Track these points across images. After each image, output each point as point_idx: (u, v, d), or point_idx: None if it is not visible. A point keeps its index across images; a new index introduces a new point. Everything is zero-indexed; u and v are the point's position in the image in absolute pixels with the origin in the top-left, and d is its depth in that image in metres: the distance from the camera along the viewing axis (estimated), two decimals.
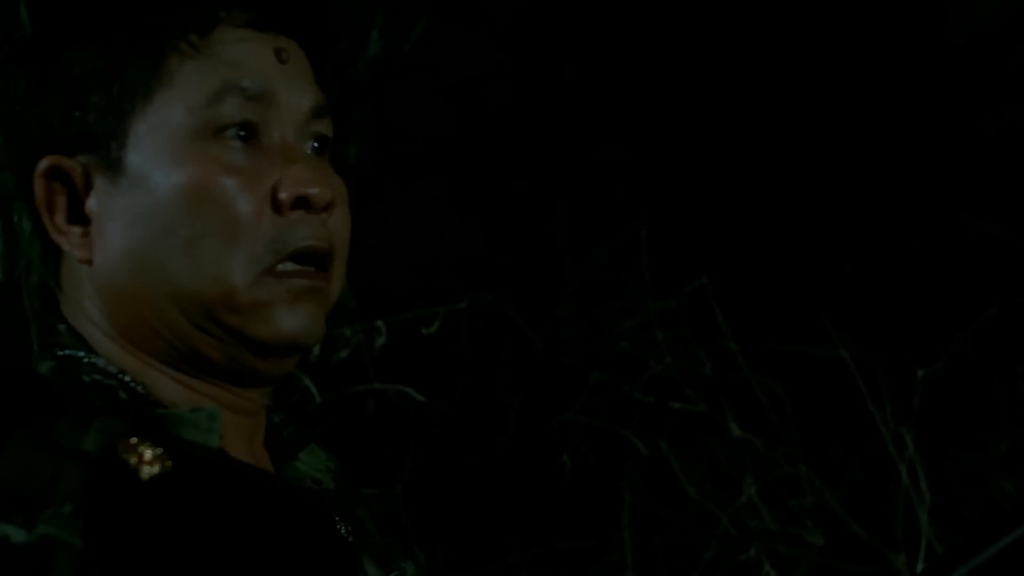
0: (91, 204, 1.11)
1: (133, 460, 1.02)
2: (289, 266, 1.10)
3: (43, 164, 1.11)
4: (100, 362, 1.10)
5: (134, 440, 1.03)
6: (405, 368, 3.03)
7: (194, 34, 1.10)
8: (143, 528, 1.00)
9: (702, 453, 3.25)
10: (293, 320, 1.10)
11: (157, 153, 1.09)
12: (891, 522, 3.20)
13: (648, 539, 3.25)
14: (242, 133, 1.11)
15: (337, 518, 1.14)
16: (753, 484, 3.16)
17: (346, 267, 1.16)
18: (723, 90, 3.80)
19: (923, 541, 3.14)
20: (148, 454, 1.03)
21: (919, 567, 3.14)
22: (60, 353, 1.11)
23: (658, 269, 3.29)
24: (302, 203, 1.10)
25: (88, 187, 1.11)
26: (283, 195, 1.10)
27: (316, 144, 1.15)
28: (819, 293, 3.34)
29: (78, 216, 1.12)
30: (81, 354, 1.11)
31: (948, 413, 3.25)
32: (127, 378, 1.10)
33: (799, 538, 3.23)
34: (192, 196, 1.08)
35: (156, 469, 1.02)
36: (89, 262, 1.11)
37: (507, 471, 3.38)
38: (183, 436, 1.06)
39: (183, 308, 1.09)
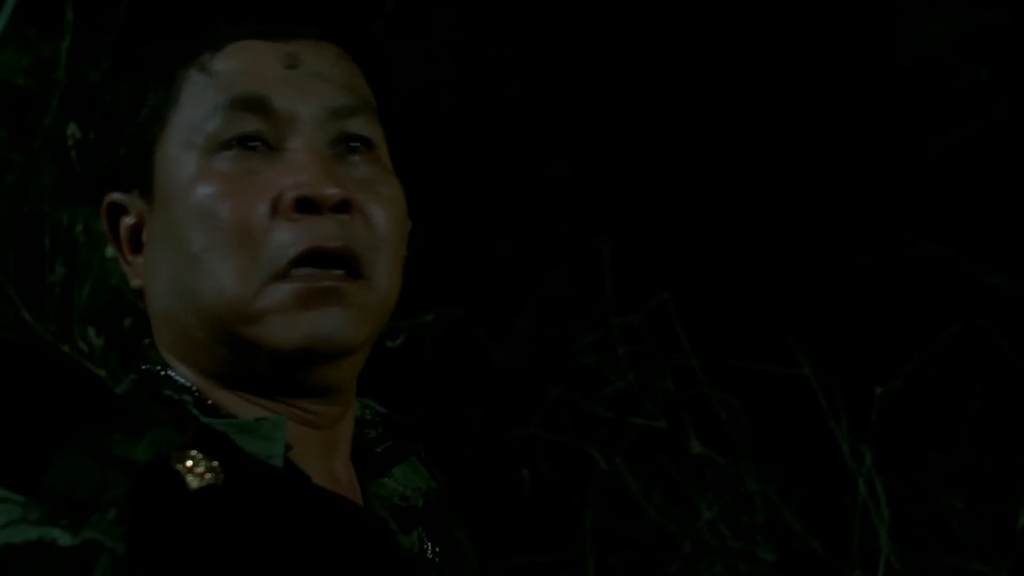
0: (144, 234, 1.14)
1: (183, 471, 1.02)
2: (301, 271, 1.07)
3: (106, 200, 1.16)
4: (175, 375, 1.13)
5: (190, 452, 1.03)
6: (370, 381, 3.02)
7: (207, 54, 1.11)
8: (185, 537, 1.00)
9: (662, 469, 3.26)
10: (305, 324, 1.06)
11: (173, 176, 1.10)
12: (848, 538, 3.23)
13: (609, 554, 3.26)
14: (252, 143, 1.09)
15: (423, 537, 1.13)
16: (715, 501, 3.18)
17: (401, 267, 1.12)
18: (681, 112, 3.82)
19: (882, 558, 3.17)
20: (201, 466, 1.03)
21: None
22: (143, 367, 1.15)
23: (621, 285, 3.31)
24: (308, 205, 1.07)
25: (142, 218, 1.15)
26: (283, 199, 1.07)
27: (352, 144, 1.12)
28: (780, 311, 3.37)
29: (138, 247, 1.16)
30: (159, 368, 1.13)
31: (904, 430, 3.28)
32: (198, 392, 1.11)
33: (754, 555, 3.26)
34: (196, 212, 1.08)
35: (205, 480, 1.02)
36: (140, 289, 1.17)
37: (468, 484, 3.37)
38: (246, 447, 1.06)
39: (206, 325, 1.09)
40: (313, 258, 1.06)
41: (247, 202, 1.07)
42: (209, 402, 1.10)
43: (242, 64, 1.10)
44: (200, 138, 1.08)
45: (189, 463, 1.03)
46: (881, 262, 3.51)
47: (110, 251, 3.11)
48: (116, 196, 1.15)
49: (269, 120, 1.09)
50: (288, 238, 1.06)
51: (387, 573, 1.09)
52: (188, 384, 1.11)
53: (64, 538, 0.98)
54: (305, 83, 1.11)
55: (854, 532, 3.21)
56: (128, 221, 1.15)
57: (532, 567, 3.29)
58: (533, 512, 3.32)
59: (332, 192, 1.06)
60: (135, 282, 1.16)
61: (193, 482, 1.02)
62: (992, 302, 3.50)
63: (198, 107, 1.09)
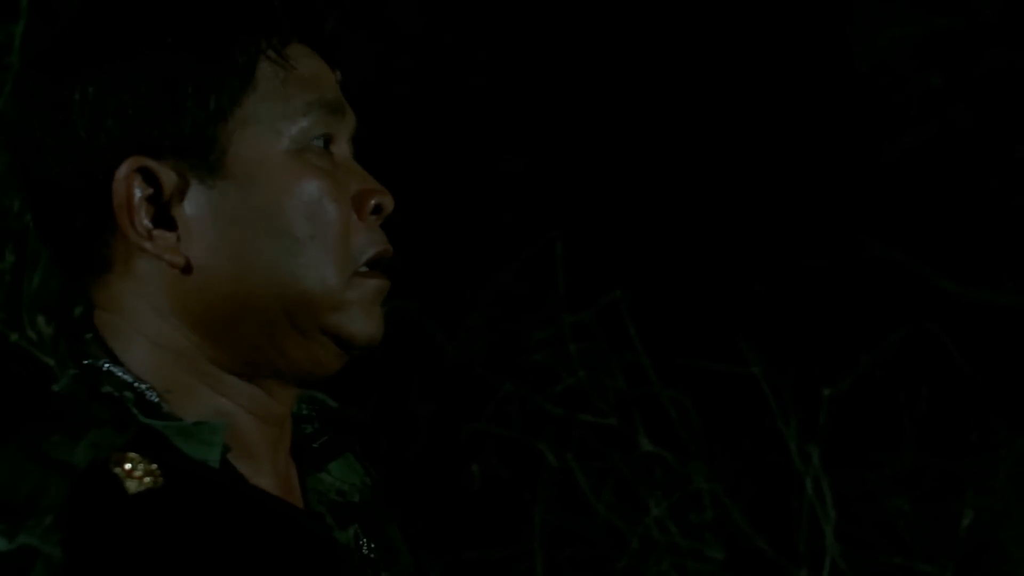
0: (185, 208, 1.11)
1: (122, 474, 1.03)
2: (364, 269, 1.14)
3: (128, 166, 1.10)
4: (117, 371, 1.11)
5: (130, 454, 1.04)
6: None
7: (277, 44, 1.13)
8: (123, 542, 1.01)
9: (612, 466, 3.27)
10: (378, 320, 1.14)
11: (264, 158, 1.12)
12: (795, 538, 3.25)
13: (558, 551, 3.27)
14: (324, 143, 1.15)
15: (359, 533, 1.15)
16: (663, 498, 3.19)
17: None
18: (635, 109, 3.84)
19: (827, 558, 3.20)
20: (139, 469, 1.04)
21: None
22: (85, 362, 1.12)
23: (573, 282, 3.32)
24: (378, 211, 1.15)
25: (180, 191, 1.11)
26: (368, 201, 1.14)
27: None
28: (730, 311, 3.39)
29: (163, 220, 1.11)
30: (101, 363, 1.11)
31: (852, 431, 3.31)
32: (142, 387, 1.10)
33: (701, 553, 3.27)
34: (302, 199, 1.12)
35: (145, 484, 1.04)
36: (180, 266, 1.11)
37: (417, 480, 3.37)
38: (184, 449, 1.07)
39: (287, 307, 1.11)
40: (379, 261, 1.15)
41: (343, 199, 1.13)
42: (153, 399, 1.10)
43: (315, 68, 1.15)
44: (293, 130, 1.12)
45: (128, 466, 1.04)
46: (831, 264, 3.54)
47: None
48: (149, 162, 1.10)
49: (338, 124, 1.15)
50: (369, 238, 1.14)
51: (325, 571, 1.12)
52: (130, 379, 1.11)
53: (0, 543, 0.99)
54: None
55: (801, 532, 3.23)
56: (150, 191, 1.10)
57: (481, 563, 3.30)
58: (482, 508, 3.32)
59: (393, 205, 1.16)
60: (169, 257, 1.10)
61: (132, 486, 1.03)
62: (940, 305, 3.54)
63: (288, 99, 1.12)
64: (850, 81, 4.05)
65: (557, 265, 3.30)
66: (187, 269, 1.11)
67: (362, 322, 1.13)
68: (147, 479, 1.03)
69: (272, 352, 1.12)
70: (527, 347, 3.33)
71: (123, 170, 1.10)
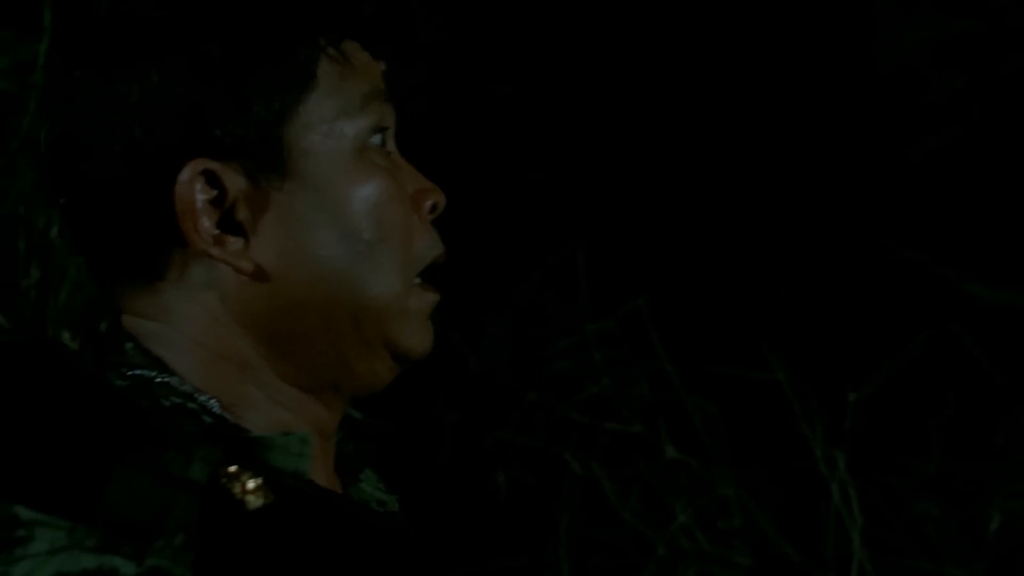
0: (251, 212, 1.05)
1: (237, 490, 0.98)
2: (418, 281, 1.10)
3: (191, 169, 1.04)
4: (174, 381, 1.05)
5: (234, 468, 0.99)
6: None
7: (335, 40, 1.08)
8: (253, 562, 0.97)
9: (637, 473, 3.27)
10: (430, 332, 1.11)
11: (330, 158, 1.07)
12: (822, 543, 3.24)
13: (584, 559, 3.26)
14: (382, 140, 1.10)
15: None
16: (689, 505, 3.19)
17: None
18: (658, 117, 3.83)
19: (854, 563, 3.18)
20: (251, 484, 0.99)
21: None
22: (129, 373, 1.06)
23: (596, 290, 3.31)
24: (432, 209, 1.11)
25: (245, 194, 1.05)
26: (426, 201, 1.10)
27: None
28: (754, 316, 3.38)
29: (228, 225, 1.05)
30: (153, 374, 1.06)
31: (878, 436, 3.30)
32: (202, 398, 1.05)
33: (728, 559, 3.27)
34: (371, 201, 1.07)
35: (261, 500, 0.99)
36: (248, 272, 1.05)
37: (443, 489, 3.37)
38: (272, 462, 1.02)
39: (355, 315, 1.07)
40: (434, 266, 1.11)
41: (405, 200, 1.09)
42: (216, 411, 1.06)
43: (367, 61, 1.10)
44: (354, 128, 1.07)
45: (246, 482, 0.99)
46: (855, 268, 3.52)
47: None
48: (213, 164, 1.04)
49: (391, 116, 1.10)
50: (428, 242, 1.10)
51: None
52: (190, 391, 1.05)
53: (127, 566, 0.94)
54: None
55: (828, 537, 3.22)
56: (213, 194, 1.04)
57: (507, 571, 3.30)
58: (508, 516, 3.32)
59: (445, 203, 1.12)
60: (236, 262, 1.04)
61: (251, 501, 0.98)
62: (966, 308, 3.52)
63: (349, 95, 1.07)
64: (873, 84, 4.04)
65: (580, 273, 3.30)
66: (256, 276, 1.05)
67: (420, 334, 1.09)
68: (259, 495, 0.99)
69: (335, 363, 1.08)
70: (551, 356, 3.33)
71: (187, 173, 1.04)
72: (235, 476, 0.98)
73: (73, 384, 1.00)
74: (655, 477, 3.27)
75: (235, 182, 1.05)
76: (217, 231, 1.05)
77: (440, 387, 3.46)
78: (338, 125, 1.07)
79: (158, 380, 1.05)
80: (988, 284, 3.65)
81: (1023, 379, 3.41)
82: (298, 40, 1.06)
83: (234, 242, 1.05)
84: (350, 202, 1.07)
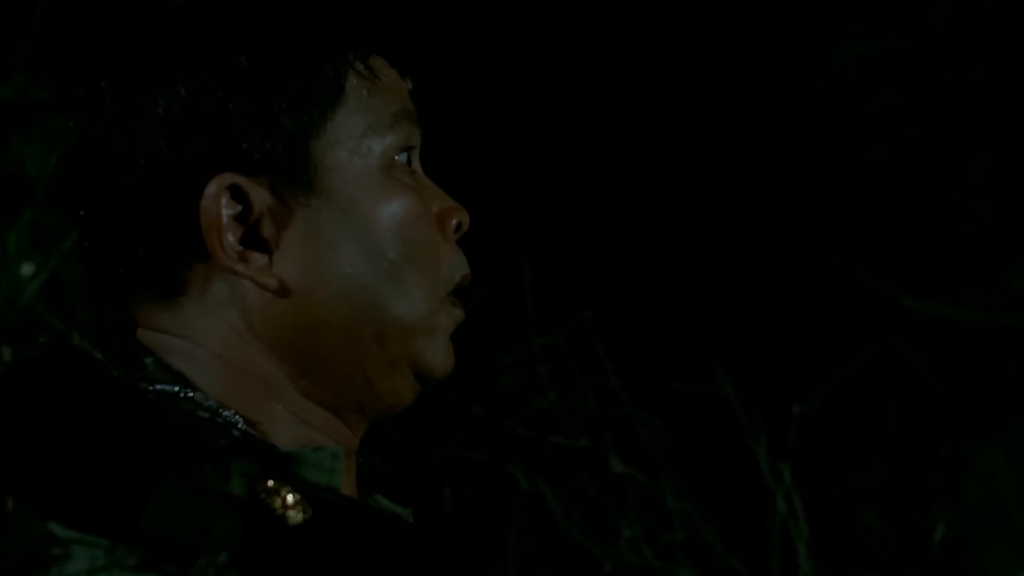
0: (276, 228, 1.03)
1: (277, 505, 0.96)
2: (450, 299, 1.09)
3: (218, 183, 1.02)
4: (198, 397, 1.03)
5: (272, 483, 0.96)
6: None
7: (363, 56, 1.06)
8: None
9: (583, 488, 3.27)
10: (451, 352, 1.10)
11: (357, 175, 1.05)
12: (767, 556, 3.26)
13: (530, 574, 3.26)
14: (407, 159, 1.08)
15: None
16: (635, 520, 3.19)
17: None
18: (599, 132, 3.85)
19: (800, 574, 3.20)
20: (290, 499, 0.96)
21: None
22: (151, 388, 1.03)
23: (542, 304, 3.31)
24: (457, 228, 1.10)
25: (271, 210, 1.03)
26: (451, 221, 1.09)
27: None
28: (700, 330, 3.39)
29: (253, 240, 1.03)
30: (176, 389, 1.03)
31: (822, 448, 3.32)
32: (227, 414, 1.03)
33: (674, 573, 3.27)
34: (398, 219, 1.05)
35: (301, 515, 0.96)
36: (273, 289, 1.03)
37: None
38: (306, 476, 1.00)
39: (380, 334, 1.05)
40: (461, 286, 1.10)
41: (432, 219, 1.07)
42: (241, 426, 1.03)
43: (395, 79, 1.08)
44: (381, 146, 1.05)
45: (285, 496, 0.96)
46: (796, 282, 3.55)
47: (27, 268, 3.06)
48: (239, 179, 1.02)
49: (417, 136, 1.09)
50: (455, 262, 1.09)
51: None
52: (214, 406, 1.03)
53: None
54: None
55: (773, 549, 3.24)
56: (238, 209, 1.02)
57: None
58: (454, 532, 3.31)
59: (469, 223, 1.11)
60: (261, 279, 1.03)
61: (293, 516, 0.96)
62: (907, 322, 3.56)
63: (377, 112, 1.05)
64: (810, 100, 4.07)
65: (526, 288, 3.30)
66: (280, 292, 1.04)
67: (443, 353, 1.08)
68: (299, 509, 0.96)
69: (359, 382, 1.06)
70: (497, 370, 3.32)
71: (213, 187, 1.01)
72: (274, 491, 0.96)
73: (108, 397, 0.97)
74: (601, 491, 3.27)
75: (261, 197, 1.03)
76: (241, 247, 1.03)
77: None
78: (365, 142, 1.05)
79: (182, 395, 1.03)
80: (923, 297, 3.69)
81: (964, 391, 3.45)
82: (326, 55, 1.04)
83: (258, 258, 1.03)
84: (376, 220, 1.05)
